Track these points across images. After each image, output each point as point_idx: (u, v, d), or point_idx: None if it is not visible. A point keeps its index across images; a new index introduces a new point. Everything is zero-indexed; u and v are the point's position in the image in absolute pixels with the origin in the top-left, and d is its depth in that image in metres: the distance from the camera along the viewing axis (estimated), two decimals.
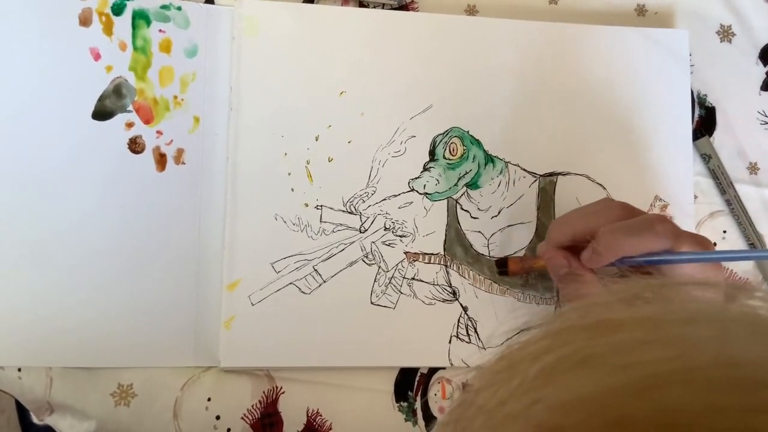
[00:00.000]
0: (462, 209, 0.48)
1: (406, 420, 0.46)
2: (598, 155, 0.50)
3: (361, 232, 0.46)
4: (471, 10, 0.52)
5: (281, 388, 0.45)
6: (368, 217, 0.47)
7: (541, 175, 0.49)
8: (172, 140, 0.45)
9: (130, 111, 0.45)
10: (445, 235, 0.48)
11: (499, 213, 0.48)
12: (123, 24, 0.45)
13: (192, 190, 0.45)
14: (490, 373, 0.18)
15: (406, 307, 0.46)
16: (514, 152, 0.49)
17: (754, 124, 0.54)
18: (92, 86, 0.45)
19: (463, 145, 0.48)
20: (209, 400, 0.44)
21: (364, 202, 0.47)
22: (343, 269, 0.46)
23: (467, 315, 0.47)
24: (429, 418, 0.47)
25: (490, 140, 0.49)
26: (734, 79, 0.54)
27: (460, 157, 0.48)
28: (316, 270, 0.45)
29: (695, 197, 0.52)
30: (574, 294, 0.40)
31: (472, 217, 0.48)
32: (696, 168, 0.52)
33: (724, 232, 0.52)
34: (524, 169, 0.49)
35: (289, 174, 0.46)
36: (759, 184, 0.53)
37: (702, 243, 0.38)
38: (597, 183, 0.50)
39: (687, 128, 0.52)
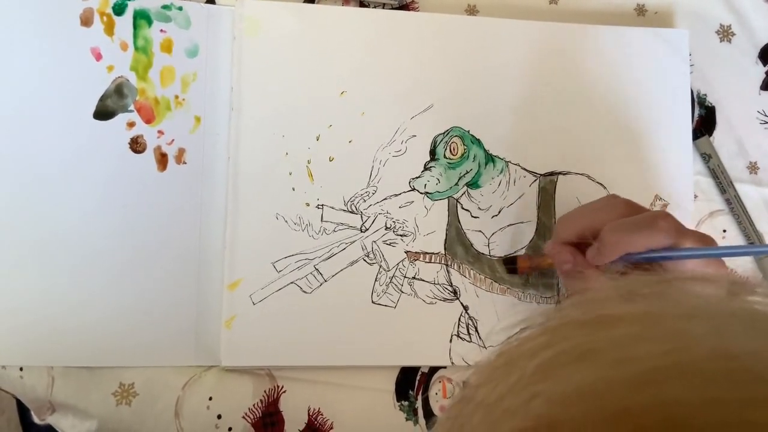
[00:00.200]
0: (462, 208, 0.48)
1: (407, 419, 0.46)
2: (598, 155, 0.50)
3: (362, 231, 0.47)
4: (471, 10, 0.52)
5: (282, 387, 0.45)
6: (369, 217, 0.47)
7: (541, 175, 0.49)
8: (173, 140, 0.46)
9: (131, 111, 0.45)
10: (446, 234, 0.48)
11: (499, 212, 0.48)
12: (124, 24, 0.45)
13: (193, 189, 0.46)
14: (489, 370, 0.18)
15: (407, 306, 0.46)
16: (515, 152, 0.49)
17: (753, 123, 0.54)
18: (93, 86, 0.45)
19: (464, 145, 0.49)
20: (210, 399, 0.44)
21: (365, 201, 0.47)
22: (344, 268, 0.46)
23: (468, 314, 0.47)
24: (430, 417, 0.47)
25: (490, 140, 0.49)
26: (734, 79, 0.54)
27: (460, 157, 0.48)
28: (317, 269, 0.46)
29: (695, 196, 0.52)
30: (578, 290, 0.40)
31: (472, 216, 0.48)
32: (696, 167, 0.52)
33: (724, 231, 0.52)
34: (525, 169, 0.49)
35: (290, 173, 0.46)
36: (759, 184, 0.53)
37: (705, 240, 0.38)
38: (597, 182, 0.50)
39: (687, 128, 0.52)
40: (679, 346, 0.15)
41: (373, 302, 0.46)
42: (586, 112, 0.50)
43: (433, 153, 0.48)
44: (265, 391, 0.45)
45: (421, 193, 0.48)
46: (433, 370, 0.47)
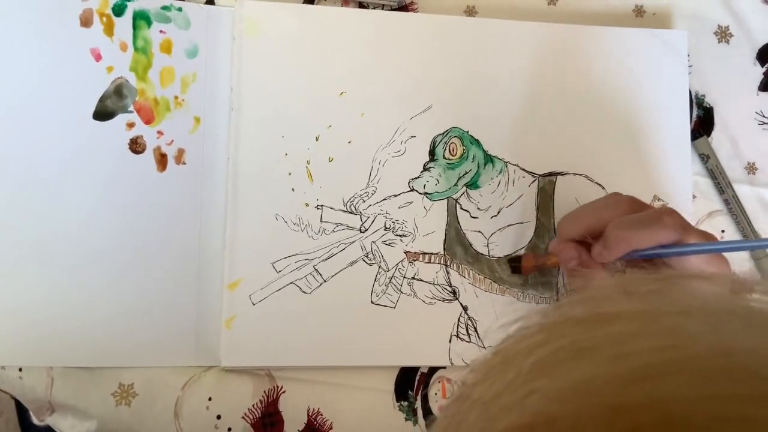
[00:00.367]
0: (462, 209, 0.48)
1: (406, 419, 0.46)
2: (597, 155, 0.50)
3: (361, 231, 0.47)
4: (470, 11, 0.52)
5: (282, 387, 0.45)
6: (368, 217, 0.47)
7: (540, 175, 0.50)
8: (172, 140, 0.46)
9: (131, 111, 0.45)
10: (445, 234, 0.48)
11: (498, 213, 0.49)
12: (124, 25, 0.45)
13: (193, 190, 0.46)
14: (486, 367, 0.18)
15: (407, 306, 0.46)
16: (514, 152, 0.49)
17: (752, 124, 0.54)
18: (93, 87, 0.45)
19: (463, 145, 0.49)
20: (210, 399, 0.44)
21: (364, 201, 0.47)
22: (344, 269, 0.46)
23: (467, 314, 0.47)
24: (429, 417, 0.47)
25: (489, 140, 0.49)
26: (732, 80, 0.55)
27: (459, 157, 0.48)
28: (316, 269, 0.46)
29: (694, 197, 0.52)
30: (579, 288, 0.40)
31: (471, 216, 0.48)
32: (694, 168, 0.52)
33: (722, 231, 0.53)
34: (523, 169, 0.49)
35: (290, 174, 0.46)
36: (757, 184, 0.54)
37: (708, 238, 0.39)
38: (596, 183, 0.50)
39: (685, 128, 0.52)
40: (677, 342, 0.15)
41: (372, 302, 0.46)
42: (585, 113, 0.50)
43: (432, 153, 0.48)
44: (264, 392, 0.45)
45: (420, 193, 0.48)
46: (433, 370, 0.47)
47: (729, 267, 0.39)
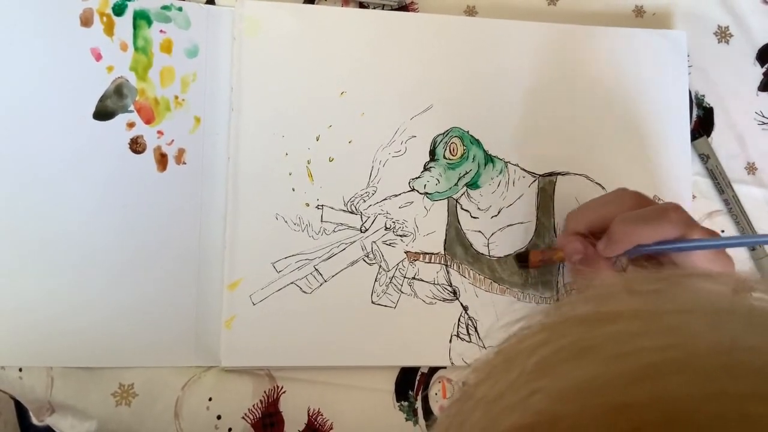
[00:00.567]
0: (462, 209, 0.48)
1: (406, 419, 0.46)
2: (597, 155, 0.50)
3: (361, 231, 0.47)
4: (470, 11, 0.52)
5: (282, 387, 0.45)
6: (369, 217, 0.47)
7: (540, 175, 0.50)
8: (173, 140, 0.46)
9: (131, 111, 0.45)
10: (446, 234, 0.48)
11: (498, 213, 0.49)
12: (124, 24, 0.45)
13: (193, 190, 0.46)
14: (488, 367, 0.18)
15: (407, 306, 0.46)
16: (514, 152, 0.49)
17: (751, 124, 0.54)
18: (93, 86, 0.45)
19: (463, 145, 0.49)
20: (210, 399, 0.44)
21: (364, 201, 0.47)
22: (344, 269, 0.46)
23: (468, 314, 0.47)
24: (429, 417, 0.47)
25: (489, 140, 0.49)
26: (732, 80, 0.55)
27: (460, 157, 0.48)
28: (317, 269, 0.46)
29: (693, 197, 0.52)
30: (582, 285, 0.40)
31: (472, 216, 0.48)
32: (694, 168, 0.52)
33: (722, 231, 0.53)
34: (524, 169, 0.49)
35: (290, 174, 0.46)
36: (757, 184, 0.54)
37: (712, 235, 0.39)
38: (596, 183, 0.50)
39: (685, 128, 0.52)
40: (678, 342, 0.15)
41: (372, 302, 0.46)
42: (585, 113, 0.51)
43: (432, 153, 0.48)
44: (264, 392, 0.45)
45: (420, 193, 0.48)
46: (433, 370, 0.47)
47: (733, 265, 0.39)
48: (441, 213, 0.48)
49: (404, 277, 0.47)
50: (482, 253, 0.48)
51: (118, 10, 0.45)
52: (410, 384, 0.47)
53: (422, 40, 0.49)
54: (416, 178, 0.48)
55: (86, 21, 0.45)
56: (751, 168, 0.54)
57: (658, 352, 0.15)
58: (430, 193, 0.48)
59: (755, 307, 0.17)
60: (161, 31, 0.46)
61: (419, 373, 0.47)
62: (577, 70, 0.51)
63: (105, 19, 0.45)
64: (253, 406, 0.45)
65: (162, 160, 0.45)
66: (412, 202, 0.48)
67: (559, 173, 0.50)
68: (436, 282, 0.47)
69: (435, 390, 0.47)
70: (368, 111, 0.48)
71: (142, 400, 0.44)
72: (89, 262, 0.44)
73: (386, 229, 0.47)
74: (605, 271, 0.41)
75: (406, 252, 0.47)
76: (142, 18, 0.46)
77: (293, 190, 0.46)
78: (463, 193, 0.48)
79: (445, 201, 0.48)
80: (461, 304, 0.47)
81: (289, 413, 0.45)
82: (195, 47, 0.47)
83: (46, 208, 0.43)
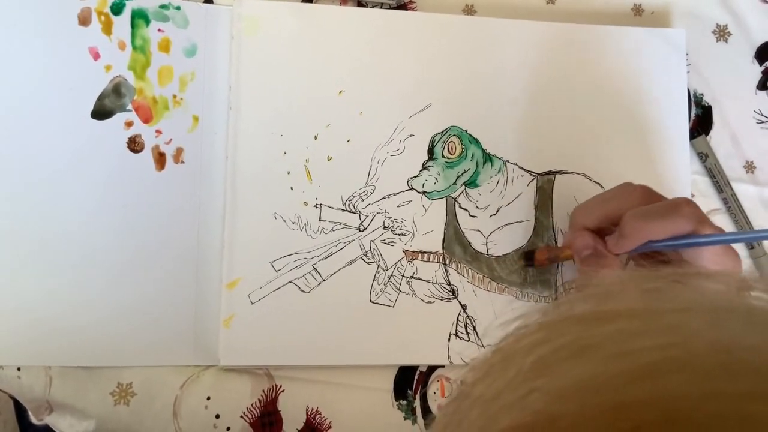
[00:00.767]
0: (460, 208, 0.48)
1: (405, 418, 0.46)
2: (595, 154, 0.50)
3: (360, 230, 0.47)
4: (469, 10, 0.52)
5: (281, 386, 0.45)
6: (367, 216, 0.47)
7: (539, 174, 0.50)
8: (171, 139, 0.46)
9: (129, 110, 0.45)
10: (444, 233, 0.48)
11: (497, 211, 0.49)
12: (122, 23, 0.45)
13: (191, 189, 0.46)
14: (486, 366, 0.18)
15: (406, 305, 0.46)
16: (512, 151, 0.49)
17: (750, 123, 0.54)
18: (91, 85, 0.45)
19: (462, 144, 0.49)
20: (209, 398, 0.44)
21: (363, 200, 0.47)
22: (343, 268, 0.46)
23: (466, 313, 0.47)
24: (428, 416, 0.47)
25: (488, 139, 0.49)
26: (730, 79, 0.55)
27: (458, 156, 0.48)
28: (315, 269, 0.46)
29: (692, 196, 0.52)
30: (583, 284, 0.40)
31: (470, 215, 0.48)
32: (693, 167, 0.52)
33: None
34: (522, 168, 0.49)
35: (289, 173, 0.46)
36: (755, 183, 0.54)
37: (720, 231, 0.38)
38: (595, 181, 0.50)
39: (684, 127, 0.52)
40: (678, 340, 0.15)
41: (371, 301, 0.46)
42: (584, 112, 0.50)
43: (431, 152, 0.48)
44: (263, 391, 0.45)
45: (419, 192, 0.48)
46: (432, 369, 0.47)
47: (740, 262, 0.39)
48: (439, 212, 0.48)
49: (403, 276, 0.47)
50: (481, 252, 0.48)
51: (116, 9, 0.45)
52: (409, 383, 0.47)
53: (421, 39, 0.49)
54: (415, 177, 0.48)
55: (84, 20, 0.45)
56: (749, 166, 0.54)
57: (657, 351, 0.15)
58: (428, 192, 0.48)
59: (754, 306, 0.17)
60: (159, 30, 0.46)
61: (418, 372, 0.47)
62: (575, 68, 0.51)
63: (103, 18, 0.45)
64: (252, 405, 0.45)
65: (160, 160, 0.45)
66: (411, 201, 0.47)
67: (557, 172, 0.50)
68: (434, 281, 0.47)
69: (433, 389, 0.47)
70: (367, 110, 0.47)
71: (141, 399, 0.44)
72: (87, 261, 0.44)
73: (384, 228, 0.47)
74: (615, 268, 0.40)
75: (404, 251, 0.47)
76: (140, 17, 0.46)
77: (291, 189, 0.46)
78: (462, 191, 0.48)
79: (444, 200, 0.48)
80: (460, 303, 0.47)
81: (288, 412, 0.45)
82: (193, 46, 0.47)
83: (44, 207, 0.43)
